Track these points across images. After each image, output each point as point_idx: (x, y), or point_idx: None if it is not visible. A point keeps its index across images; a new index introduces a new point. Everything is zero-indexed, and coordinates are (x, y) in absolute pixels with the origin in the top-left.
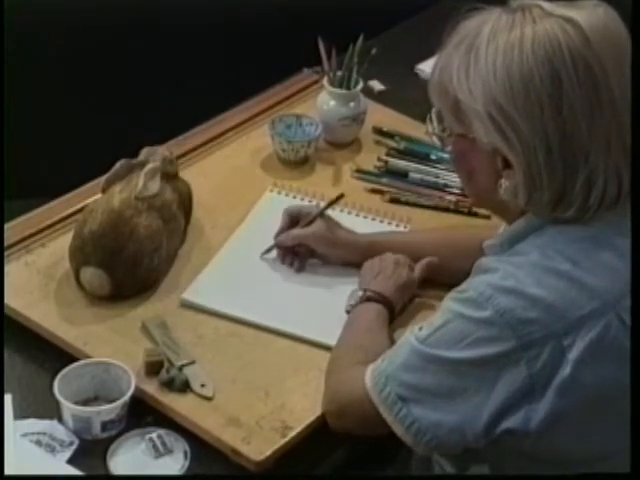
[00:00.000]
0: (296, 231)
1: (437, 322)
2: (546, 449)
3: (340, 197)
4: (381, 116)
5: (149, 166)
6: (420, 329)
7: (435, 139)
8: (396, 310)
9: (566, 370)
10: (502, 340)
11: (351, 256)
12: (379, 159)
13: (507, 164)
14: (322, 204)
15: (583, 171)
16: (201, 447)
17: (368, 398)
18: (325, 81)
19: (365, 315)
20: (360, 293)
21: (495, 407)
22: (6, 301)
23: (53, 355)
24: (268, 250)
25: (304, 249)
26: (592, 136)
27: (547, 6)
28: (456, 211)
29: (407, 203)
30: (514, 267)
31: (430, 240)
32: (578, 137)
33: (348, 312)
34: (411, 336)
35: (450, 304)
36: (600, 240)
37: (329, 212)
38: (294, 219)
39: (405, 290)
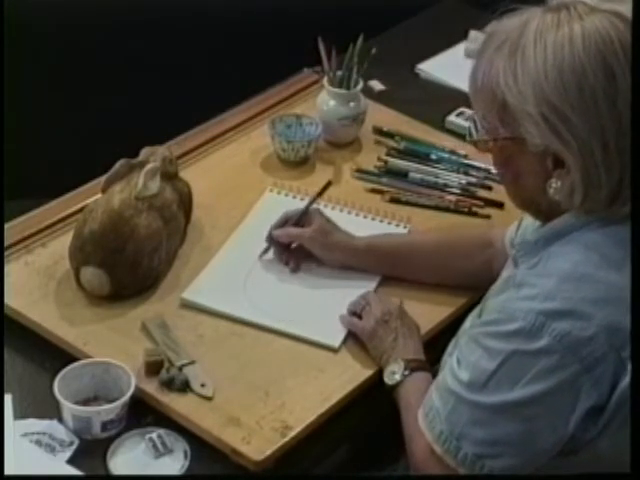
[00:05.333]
0: (293, 229)
1: (488, 366)
2: (588, 453)
3: (328, 185)
4: (381, 116)
5: (149, 166)
6: (460, 375)
7: (477, 145)
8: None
9: (625, 381)
10: (565, 367)
11: (348, 259)
12: (379, 159)
13: (558, 164)
14: (314, 197)
15: None
16: (201, 447)
17: (445, 463)
18: (325, 81)
19: (417, 390)
20: (398, 368)
21: (568, 434)
22: (6, 301)
23: (53, 355)
24: (266, 250)
25: (301, 250)
26: None
27: (591, 2)
28: (456, 211)
29: (407, 203)
30: (556, 280)
31: (428, 241)
32: None
33: (391, 387)
34: (459, 387)
35: (496, 343)
36: None
37: (328, 213)
38: (291, 220)
39: (419, 330)
